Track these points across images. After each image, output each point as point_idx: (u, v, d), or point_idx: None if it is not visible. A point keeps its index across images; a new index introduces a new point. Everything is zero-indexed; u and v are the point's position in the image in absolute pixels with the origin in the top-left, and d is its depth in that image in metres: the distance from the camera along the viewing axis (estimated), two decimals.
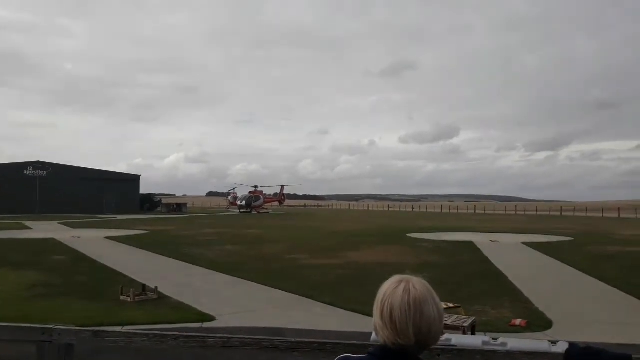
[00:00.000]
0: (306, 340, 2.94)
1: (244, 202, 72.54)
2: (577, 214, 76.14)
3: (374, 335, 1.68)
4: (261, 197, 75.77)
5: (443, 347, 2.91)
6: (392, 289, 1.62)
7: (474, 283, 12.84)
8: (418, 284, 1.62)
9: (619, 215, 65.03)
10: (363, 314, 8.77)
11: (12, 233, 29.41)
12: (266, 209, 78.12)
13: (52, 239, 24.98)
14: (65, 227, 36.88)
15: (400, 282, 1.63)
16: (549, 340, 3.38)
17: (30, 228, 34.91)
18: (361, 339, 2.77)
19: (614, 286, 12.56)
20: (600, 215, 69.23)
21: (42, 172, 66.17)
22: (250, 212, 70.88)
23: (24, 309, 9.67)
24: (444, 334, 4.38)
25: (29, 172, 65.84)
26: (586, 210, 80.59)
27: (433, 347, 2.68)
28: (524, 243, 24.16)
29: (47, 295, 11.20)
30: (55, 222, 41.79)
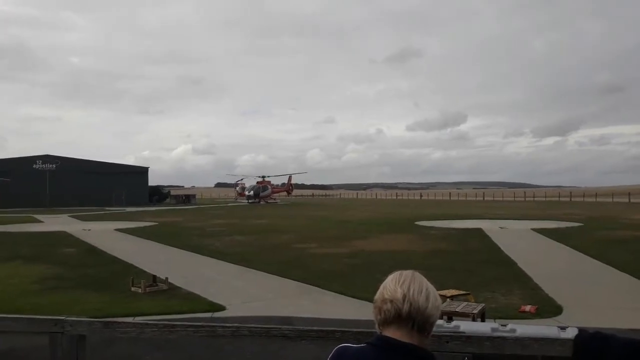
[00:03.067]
0: (315, 328, 2.95)
1: (252, 193, 72.80)
2: (586, 199, 75.68)
3: None
4: (269, 187, 76.03)
5: (452, 333, 2.90)
6: (389, 281, 1.66)
7: (483, 270, 12.81)
8: (417, 276, 1.65)
9: (629, 200, 64.52)
10: (372, 302, 8.78)
11: (23, 226, 29.69)
12: (274, 198, 78.38)
13: (63, 232, 25.21)
14: (75, 219, 37.18)
15: (401, 274, 1.67)
16: (559, 326, 3.36)
17: (41, 221, 35.22)
18: (369, 327, 2.78)
19: (625, 271, 12.49)
20: (610, 200, 68.76)
21: (51, 165, 66.64)
22: (259, 202, 71.12)
23: (36, 301, 9.78)
24: (452, 320, 4.37)
25: (38, 165, 66.35)
26: (596, 195, 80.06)
27: (442, 333, 2.69)
28: (533, 229, 24.05)
29: (59, 287, 11.31)
30: (65, 215, 42.12)
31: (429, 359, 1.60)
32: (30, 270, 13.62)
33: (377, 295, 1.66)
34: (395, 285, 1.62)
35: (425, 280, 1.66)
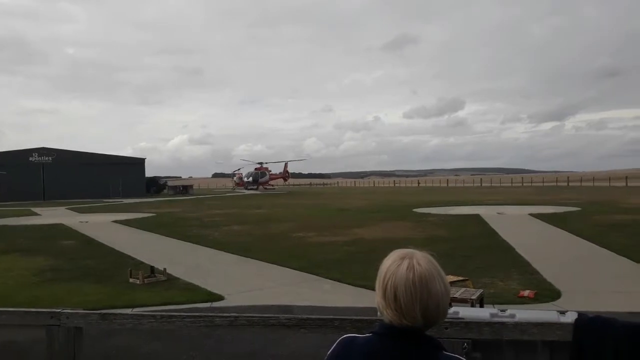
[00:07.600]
0: (313, 316, 2.93)
1: (250, 178, 73.31)
2: (584, 184, 75.84)
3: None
4: (267, 173, 76.44)
5: (451, 320, 2.89)
6: (395, 267, 1.51)
7: (481, 256, 12.84)
8: (422, 260, 1.51)
9: (627, 184, 64.67)
10: (371, 289, 8.79)
11: (21, 219, 29.62)
12: (272, 185, 78.72)
13: (60, 224, 25.15)
14: (72, 212, 37.10)
15: (403, 258, 1.52)
16: (558, 311, 3.35)
17: (38, 214, 35.13)
18: (369, 315, 2.76)
19: (623, 255, 12.52)
20: (608, 184, 68.93)
21: (47, 158, 66.40)
22: (257, 188, 71.48)
23: (34, 293, 9.76)
24: (451, 307, 4.36)
25: (34, 158, 66.08)
26: (593, 180, 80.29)
27: None
28: (530, 214, 24.10)
29: (57, 279, 11.29)
30: (62, 208, 42.03)
31: (431, 344, 1.52)
32: (29, 262, 13.59)
33: (378, 279, 1.56)
34: (396, 267, 1.52)
35: (432, 264, 1.53)
